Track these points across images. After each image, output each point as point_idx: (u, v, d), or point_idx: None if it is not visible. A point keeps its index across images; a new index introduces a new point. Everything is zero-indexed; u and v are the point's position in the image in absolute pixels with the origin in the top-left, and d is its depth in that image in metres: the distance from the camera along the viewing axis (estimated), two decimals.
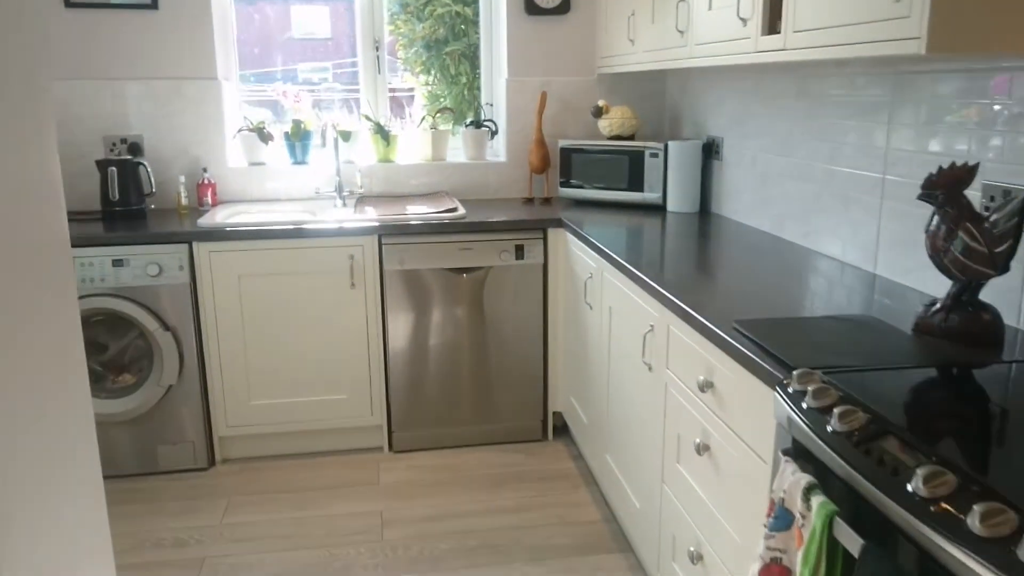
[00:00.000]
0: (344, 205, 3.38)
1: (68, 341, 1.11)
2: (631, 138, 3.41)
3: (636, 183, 3.27)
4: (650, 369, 2.11)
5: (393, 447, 3.19)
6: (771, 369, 1.42)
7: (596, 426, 2.75)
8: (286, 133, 3.48)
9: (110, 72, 3.29)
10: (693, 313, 1.76)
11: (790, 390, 1.33)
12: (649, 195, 3.25)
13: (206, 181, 3.33)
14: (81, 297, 2.83)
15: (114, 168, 3.07)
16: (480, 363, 3.17)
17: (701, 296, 1.89)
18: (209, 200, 3.33)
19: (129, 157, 3.13)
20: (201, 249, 2.90)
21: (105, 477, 2.98)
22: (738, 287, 1.98)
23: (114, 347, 3.04)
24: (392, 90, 3.73)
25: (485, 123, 3.65)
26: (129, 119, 3.33)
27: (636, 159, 3.25)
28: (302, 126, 3.46)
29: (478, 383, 3.19)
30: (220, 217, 3.09)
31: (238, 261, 2.93)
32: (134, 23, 3.27)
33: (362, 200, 3.42)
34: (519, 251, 3.10)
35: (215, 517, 2.72)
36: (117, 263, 2.84)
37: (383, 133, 3.50)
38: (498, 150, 3.75)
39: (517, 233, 3.09)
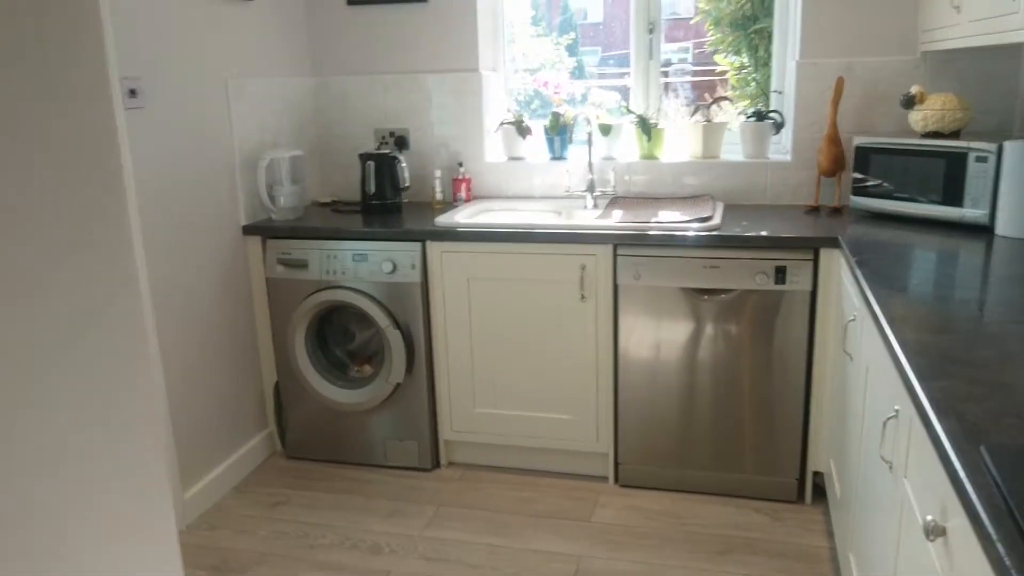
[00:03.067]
0: (594, 206, 3.09)
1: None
2: (955, 135, 2.63)
3: (954, 195, 2.52)
4: (890, 468, 1.54)
5: (619, 480, 2.87)
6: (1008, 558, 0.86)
7: (844, 507, 2.16)
8: (545, 127, 3.28)
9: (383, 66, 3.36)
10: (929, 413, 1.19)
11: None
12: (970, 212, 2.48)
13: (461, 176, 3.26)
14: (322, 289, 2.92)
15: (372, 163, 3.13)
16: (726, 401, 2.70)
17: (973, 385, 1.29)
18: (463, 195, 3.26)
19: (387, 152, 3.17)
20: (433, 248, 2.83)
21: (335, 463, 3.09)
22: None
23: (360, 337, 3.11)
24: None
25: (770, 114, 3.09)
26: (398, 112, 3.38)
27: (956, 163, 2.50)
28: (561, 119, 3.23)
29: (722, 424, 2.72)
30: (463, 215, 2.99)
31: (468, 263, 2.81)
32: (405, 17, 3.29)
33: (614, 201, 3.10)
34: (779, 274, 2.56)
35: (417, 527, 2.65)
36: (358, 257, 2.88)
37: (645, 126, 3.13)
38: (783, 147, 3.16)
39: (780, 252, 2.55)
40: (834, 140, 2.86)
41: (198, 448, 2.77)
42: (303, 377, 3.01)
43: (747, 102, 3.38)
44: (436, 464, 3.04)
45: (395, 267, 2.84)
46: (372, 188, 3.14)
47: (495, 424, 2.94)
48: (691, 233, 2.59)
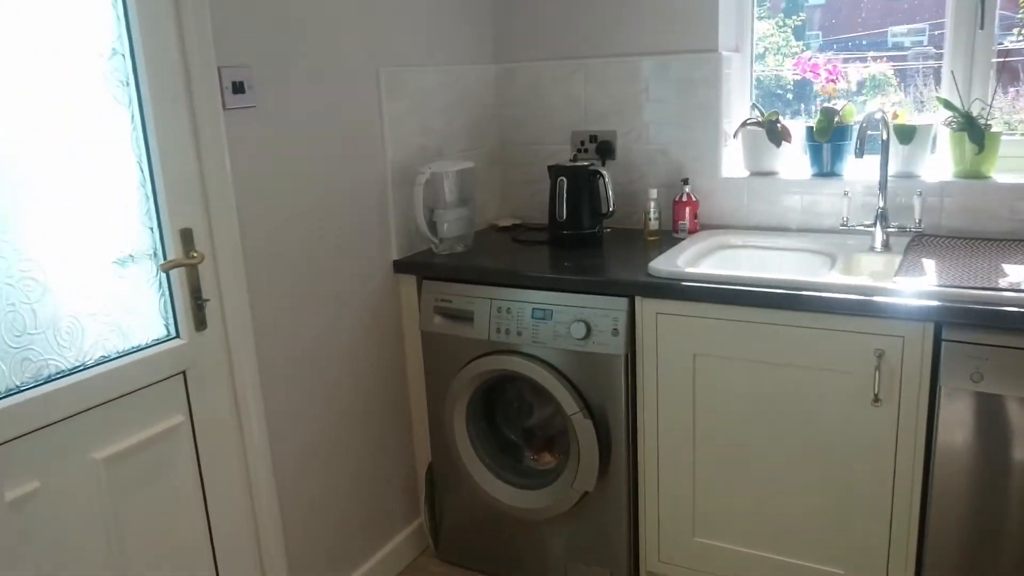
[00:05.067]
0: (884, 248, 2.08)
1: None
2: None
3: None
4: None
5: None
6: None
7: None
8: (809, 129, 2.30)
9: (585, 47, 2.52)
10: None
11: None
12: None
13: (685, 197, 2.37)
14: (491, 353, 2.15)
15: (564, 179, 2.31)
16: None
17: None
18: (687, 224, 2.37)
19: (585, 164, 2.34)
20: (646, 307, 1.97)
21: None
22: None
23: (540, 412, 2.32)
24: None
25: None
26: (603, 110, 2.54)
27: None
28: (835, 119, 2.24)
29: None
30: (688, 257, 2.10)
31: (696, 331, 1.92)
32: None
33: (918, 243, 2.08)
34: None
35: None
36: (540, 313, 2.07)
37: (974, 130, 2.07)
38: None
39: None
40: None
41: (332, 545, 2.10)
42: (462, 463, 2.27)
43: None
44: None
45: (589, 330, 2.01)
46: (563, 214, 2.32)
47: (724, 562, 2.04)
48: None
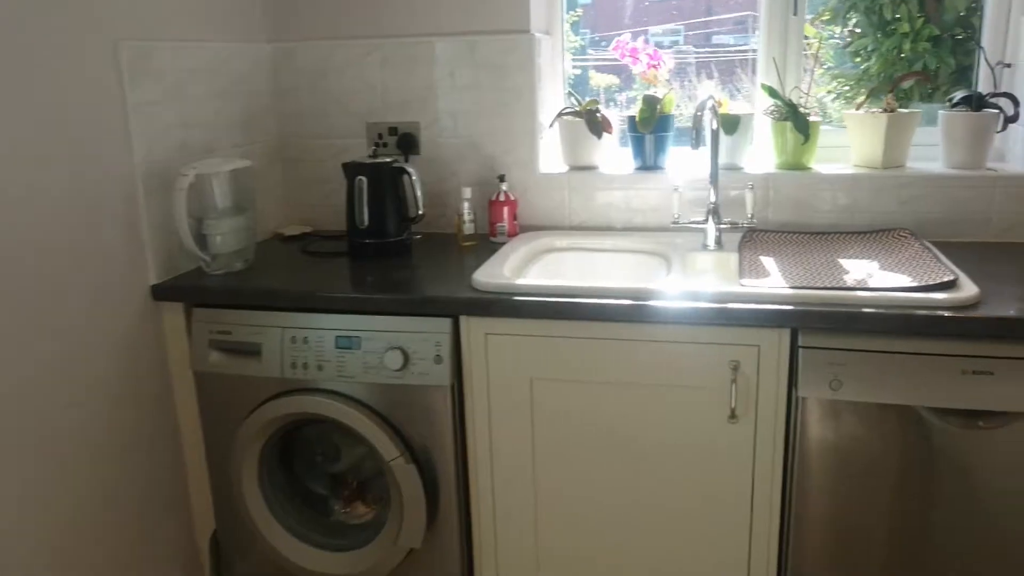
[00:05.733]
0: (718, 246, 1.93)
1: None
2: None
3: None
4: None
5: None
6: None
7: None
8: (631, 119, 2.12)
9: (380, 26, 2.18)
10: None
11: None
12: None
13: (502, 197, 2.10)
14: (286, 394, 1.75)
15: (364, 179, 1.96)
16: None
17: None
18: (505, 227, 2.10)
19: (387, 161, 2.00)
20: (473, 328, 1.67)
21: None
22: None
23: (347, 457, 1.95)
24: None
25: (991, 99, 1.96)
26: (403, 98, 2.21)
27: None
28: (658, 108, 2.07)
29: None
30: (511, 266, 1.83)
31: (531, 352, 1.66)
32: None
33: (750, 239, 1.95)
34: None
35: None
36: (346, 342, 1.71)
37: (798, 119, 1.98)
38: (1014, 151, 2.03)
39: None
40: None
41: None
42: (255, 527, 1.85)
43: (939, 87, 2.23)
44: None
45: (407, 359, 1.68)
46: (365, 219, 1.97)
47: None
48: (943, 313, 1.45)
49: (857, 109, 2.05)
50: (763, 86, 2.05)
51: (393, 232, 2.00)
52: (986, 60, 2.00)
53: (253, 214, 1.94)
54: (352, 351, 1.70)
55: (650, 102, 2.07)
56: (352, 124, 2.25)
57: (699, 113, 1.78)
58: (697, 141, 1.77)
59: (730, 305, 1.53)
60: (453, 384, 1.69)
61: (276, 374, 1.75)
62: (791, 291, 1.54)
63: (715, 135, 1.88)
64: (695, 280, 1.76)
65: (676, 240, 1.99)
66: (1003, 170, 1.96)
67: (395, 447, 1.71)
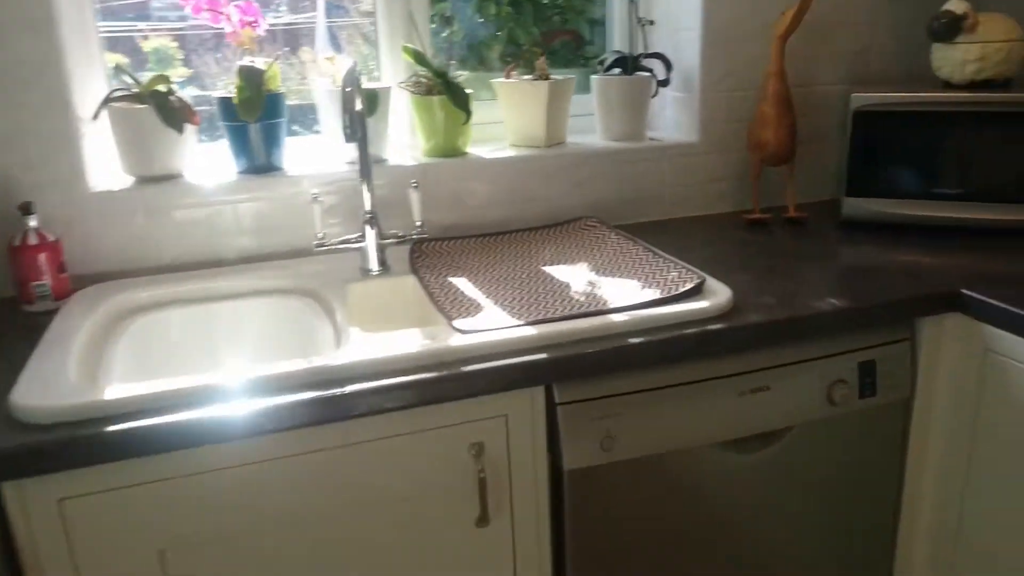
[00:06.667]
0: (384, 269, 1.40)
1: None
2: (1005, 86, 1.59)
3: None
4: None
5: None
6: None
7: None
8: (224, 103, 1.46)
9: None
10: None
11: None
12: None
13: (34, 239, 1.29)
14: None
15: None
16: None
17: None
18: (48, 285, 1.30)
19: None
20: (35, 497, 0.91)
21: None
22: None
23: None
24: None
25: (644, 61, 1.75)
26: None
27: None
28: (262, 85, 1.45)
29: None
30: (81, 357, 1.08)
31: (154, 510, 0.96)
32: None
33: (422, 254, 1.47)
34: (867, 376, 1.27)
35: None
36: None
37: (456, 94, 1.53)
38: (674, 119, 1.85)
39: (860, 334, 1.25)
40: (783, 101, 1.63)
41: None
42: None
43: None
44: None
45: None
46: None
47: None
48: (710, 327, 1.14)
49: (507, 77, 1.68)
50: (407, 50, 1.55)
51: None
52: (637, 17, 1.77)
53: None
54: None
55: (251, 77, 1.43)
56: None
57: (348, 89, 1.22)
58: (353, 132, 1.21)
59: (464, 369, 1.03)
60: None
61: None
62: (536, 331, 1.10)
63: (362, 118, 1.33)
64: (383, 333, 1.21)
65: (319, 268, 1.41)
66: (666, 139, 1.77)
67: None
